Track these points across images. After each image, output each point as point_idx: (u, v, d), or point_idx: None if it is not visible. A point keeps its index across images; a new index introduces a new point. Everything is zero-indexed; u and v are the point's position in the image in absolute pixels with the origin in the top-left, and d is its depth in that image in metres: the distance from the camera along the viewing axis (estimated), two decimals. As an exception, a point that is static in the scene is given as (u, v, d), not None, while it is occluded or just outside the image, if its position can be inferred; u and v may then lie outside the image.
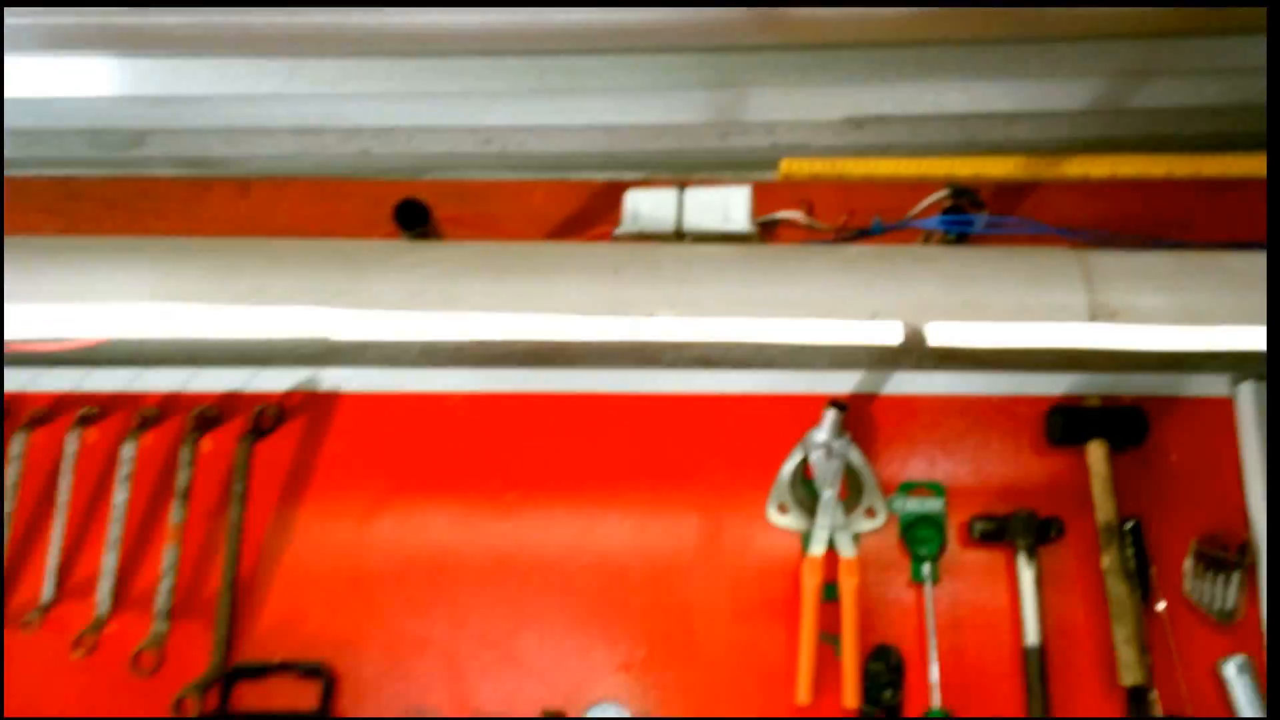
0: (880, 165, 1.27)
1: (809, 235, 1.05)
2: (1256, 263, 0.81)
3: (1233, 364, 1.29)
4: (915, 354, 1.25)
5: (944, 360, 1.32)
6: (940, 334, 0.86)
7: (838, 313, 0.80)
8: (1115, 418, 1.25)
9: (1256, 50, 1.27)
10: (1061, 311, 0.80)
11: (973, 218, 0.94)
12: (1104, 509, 1.21)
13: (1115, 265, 0.82)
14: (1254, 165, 1.31)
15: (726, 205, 0.89)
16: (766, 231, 1.01)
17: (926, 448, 1.31)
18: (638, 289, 0.79)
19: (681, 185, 0.91)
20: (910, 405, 1.32)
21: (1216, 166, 1.31)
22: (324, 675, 1.25)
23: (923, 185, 1.22)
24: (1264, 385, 1.25)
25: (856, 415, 1.32)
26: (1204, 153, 1.36)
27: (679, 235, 0.92)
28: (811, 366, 1.36)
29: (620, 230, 0.95)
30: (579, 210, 1.18)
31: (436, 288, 0.80)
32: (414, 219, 0.89)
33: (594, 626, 1.27)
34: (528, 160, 1.37)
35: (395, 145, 1.34)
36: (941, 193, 0.96)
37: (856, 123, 1.35)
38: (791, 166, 1.25)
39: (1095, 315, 0.80)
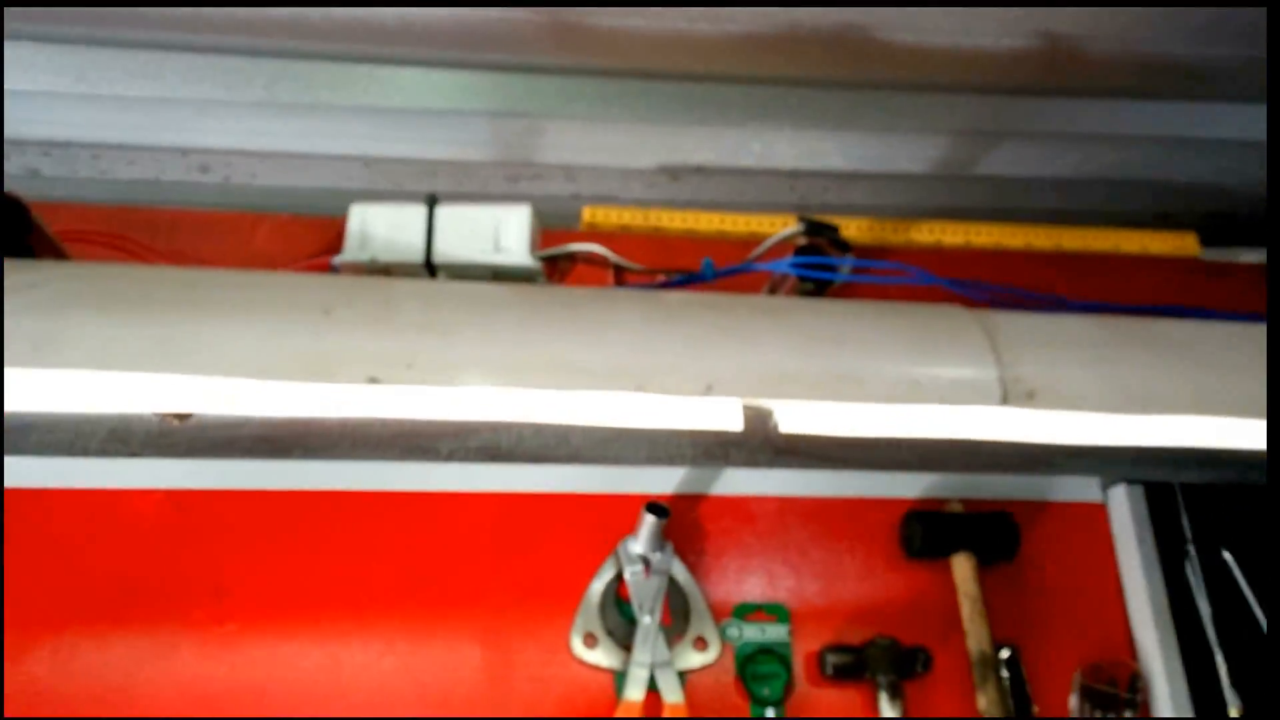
0: (702, 220, 1.05)
1: (617, 281, 0.80)
2: (1203, 333, 0.61)
3: (1101, 464, 1.14)
4: (752, 445, 1.01)
5: (782, 454, 1.09)
6: (797, 418, 0.62)
7: (658, 383, 0.54)
8: (981, 526, 1.05)
9: (1112, 115, 1.16)
10: (965, 391, 0.58)
11: (836, 260, 0.71)
12: (976, 636, 0.99)
13: (1026, 330, 0.61)
14: (1117, 240, 1.18)
15: (497, 229, 0.62)
16: (555, 272, 0.76)
17: (765, 561, 1.06)
18: (357, 341, 0.50)
19: (433, 200, 0.64)
20: (744, 509, 1.08)
21: (1078, 240, 1.17)
22: None
23: (753, 242, 1.01)
24: (1137, 489, 1.09)
25: (680, 521, 1.07)
26: (1056, 226, 1.24)
27: (429, 269, 0.63)
28: (625, 460, 1.10)
29: (341, 258, 0.65)
30: (316, 251, 0.88)
31: (22, 327, 0.49)
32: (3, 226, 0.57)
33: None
34: (263, 196, 1.06)
35: (76, 166, 1.01)
36: (793, 228, 0.73)
37: (672, 173, 1.14)
38: (596, 215, 1.02)
39: (1008, 396, 0.59)
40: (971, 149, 1.18)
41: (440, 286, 0.56)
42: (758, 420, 1.18)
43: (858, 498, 1.09)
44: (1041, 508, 1.10)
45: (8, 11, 0.84)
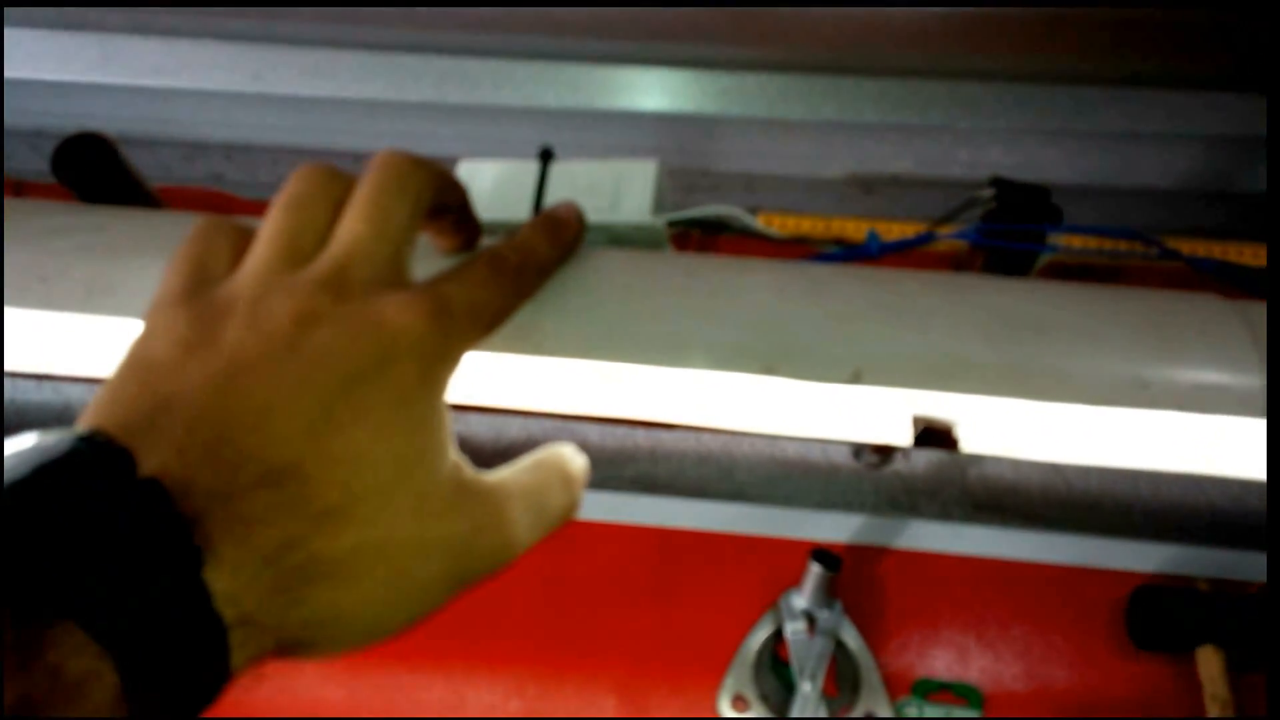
0: (894, 229, 0.92)
1: (757, 253, 0.69)
2: None
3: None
4: (945, 496, 0.87)
5: (982, 509, 0.93)
6: (981, 426, 0.49)
7: (791, 366, 0.43)
8: (1235, 613, 0.84)
9: None
10: (1213, 398, 0.43)
11: (1044, 227, 0.56)
12: (1228, 755, 0.79)
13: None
14: None
15: (618, 186, 0.54)
16: (683, 241, 0.66)
17: (955, 633, 0.90)
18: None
19: (546, 155, 0.57)
20: (932, 568, 0.93)
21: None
22: None
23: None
24: None
25: (854, 576, 0.93)
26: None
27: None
28: (795, 502, 0.98)
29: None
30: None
31: (77, 270, 0.44)
32: (84, 166, 0.54)
33: None
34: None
35: (256, 170, 1.02)
36: (982, 193, 0.60)
37: (864, 183, 1.02)
38: (772, 222, 0.91)
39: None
40: (1234, 159, 0.99)
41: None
42: (954, 468, 1.01)
43: (1075, 566, 0.91)
44: (1322, 598, 0.88)
45: (188, 8, 0.86)
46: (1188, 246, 0.95)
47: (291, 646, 0.31)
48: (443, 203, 0.41)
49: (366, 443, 0.32)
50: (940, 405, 0.47)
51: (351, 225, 0.37)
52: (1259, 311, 0.46)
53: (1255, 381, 0.43)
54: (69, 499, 0.27)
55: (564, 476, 0.42)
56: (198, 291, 0.36)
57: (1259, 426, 0.42)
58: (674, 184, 1.04)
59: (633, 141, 0.98)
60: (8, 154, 0.99)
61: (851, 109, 0.92)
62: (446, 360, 0.36)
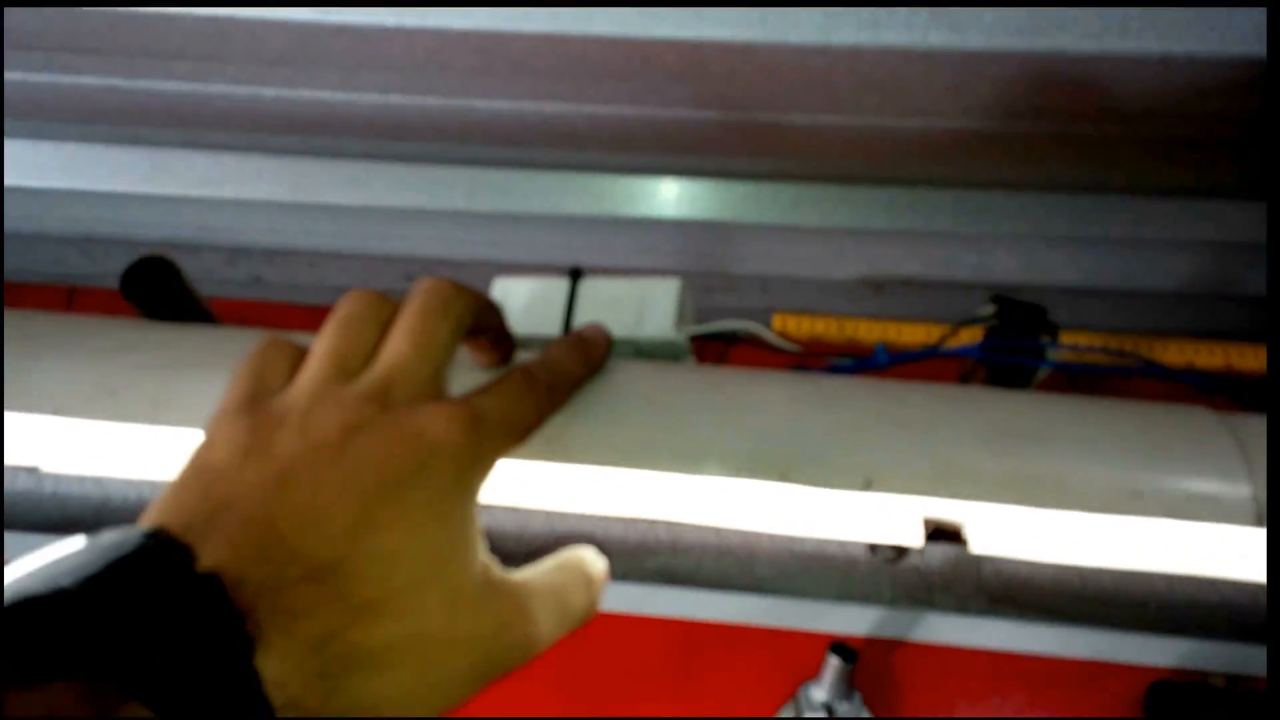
0: (905, 330, 0.96)
1: (773, 362, 0.72)
2: None
3: None
4: (962, 590, 0.88)
5: (998, 603, 0.95)
6: (988, 532, 0.52)
7: (806, 474, 0.46)
8: (1251, 709, 0.85)
9: None
10: (1203, 507, 0.45)
11: (1041, 344, 0.60)
12: None
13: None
14: None
15: (643, 303, 0.58)
16: (710, 356, 0.70)
17: (972, 729, 0.91)
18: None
19: (576, 273, 0.61)
20: (949, 661, 0.94)
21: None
22: None
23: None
24: None
25: (872, 669, 0.94)
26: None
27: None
28: (813, 594, 0.99)
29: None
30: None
31: (144, 384, 0.48)
32: (149, 287, 0.58)
33: None
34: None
35: (295, 273, 1.07)
36: (984, 310, 0.63)
37: (875, 285, 1.06)
38: (787, 323, 0.95)
39: (1264, 518, 0.46)
40: (1234, 263, 1.03)
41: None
42: (969, 562, 1.03)
43: (1092, 660, 0.92)
44: (1340, 696, 0.88)
45: (234, 125, 0.92)
46: (1191, 348, 0.98)
47: None
48: (481, 324, 0.45)
49: (403, 542, 0.36)
50: (948, 510, 0.49)
51: (397, 344, 0.41)
52: (1246, 424, 0.49)
53: (1244, 491, 0.45)
54: (138, 591, 0.30)
55: (585, 578, 0.45)
56: (256, 402, 0.39)
57: (1246, 533, 0.44)
58: (693, 285, 1.09)
59: (654, 245, 1.03)
60: (60, 260, 1.05)
61: (862, 216, 0.97)
62: (480, 467, 0.40)
